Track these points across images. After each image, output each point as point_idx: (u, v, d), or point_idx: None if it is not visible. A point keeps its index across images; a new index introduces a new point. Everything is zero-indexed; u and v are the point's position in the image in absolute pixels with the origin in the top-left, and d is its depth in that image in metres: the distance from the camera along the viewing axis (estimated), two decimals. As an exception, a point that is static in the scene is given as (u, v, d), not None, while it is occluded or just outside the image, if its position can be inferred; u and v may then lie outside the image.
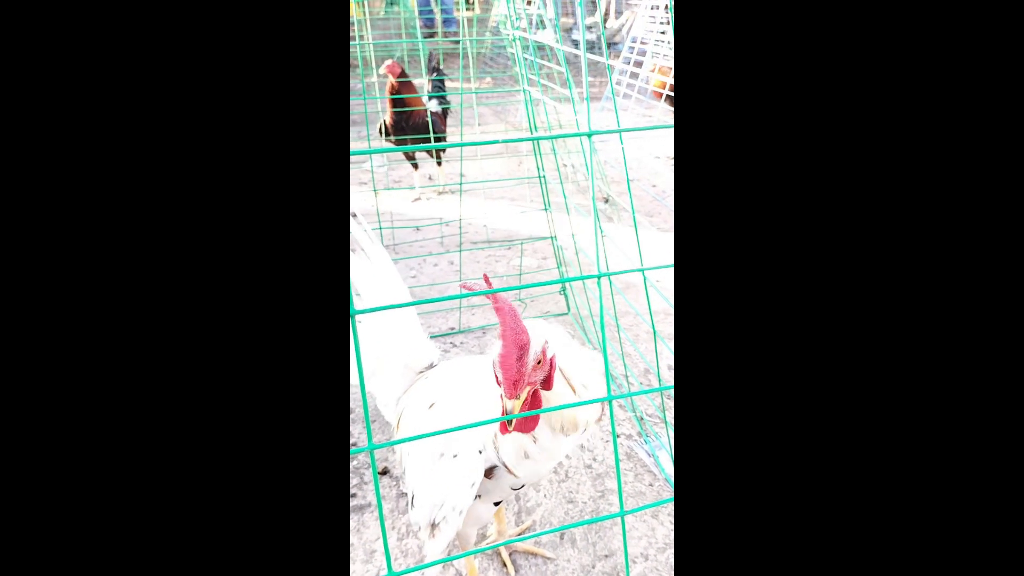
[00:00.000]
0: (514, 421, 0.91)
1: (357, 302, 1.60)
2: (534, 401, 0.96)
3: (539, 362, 0.93)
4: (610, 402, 0.71)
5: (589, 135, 0.63)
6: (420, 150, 3.45)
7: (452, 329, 2.57)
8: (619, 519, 1.63)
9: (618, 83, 5.04)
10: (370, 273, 1.49)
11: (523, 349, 0.88)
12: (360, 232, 1.49)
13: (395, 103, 3.36)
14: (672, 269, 1.14)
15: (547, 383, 0.97)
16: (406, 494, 1.59)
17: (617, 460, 0.74)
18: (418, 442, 1.21)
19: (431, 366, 1.42)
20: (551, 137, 0.66)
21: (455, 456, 1.10)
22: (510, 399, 0.90)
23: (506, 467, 1.08)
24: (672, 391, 2.17)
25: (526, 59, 2.09)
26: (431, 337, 2.46)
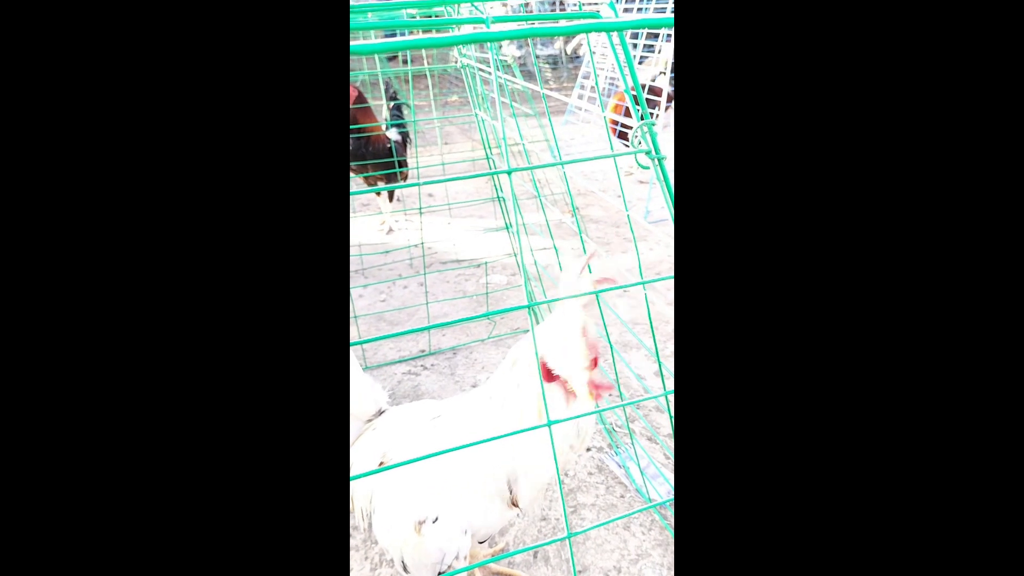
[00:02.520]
0: (599, 386, 1.07)
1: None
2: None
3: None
4: (549, 427, 0.74)
5: (509, 172, 0.66)
6: (378, 191, 3.45)
7: (422, 351, 2.58)
8: (590, 533, 1.65)
9: (579, 96, 5.12)
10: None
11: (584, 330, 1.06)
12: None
13: (353, 130, 3.38)
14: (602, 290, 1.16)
15: (595, 362, 1.12)
16: (383, 547, 1.58)
17: (560, 481, 0.76)
18: (385, 506, 1.22)
19: (380, 413, 1.39)
20: (474, 176, 0.69)
21: (435, 520, 1.13)
22: (595, 368, 1.06)
23: (509, 490, 1.13)
24: (632, 405, 2.18)
25: (479, 78, 2.13)
26: (400, 361, 2.47)
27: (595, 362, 1.08)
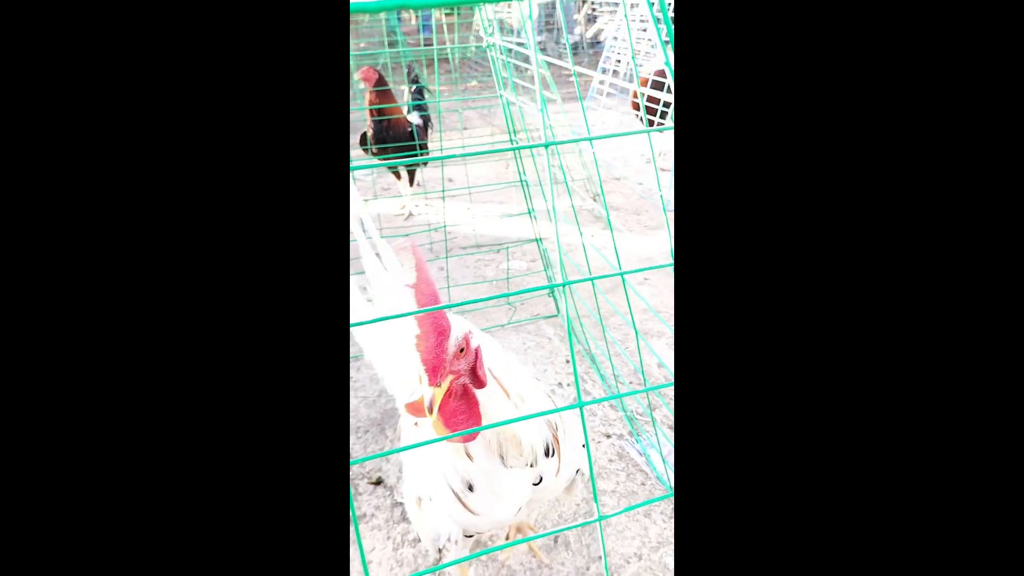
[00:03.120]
0: (436, 411, 0.85)
1: (370, 308, 1.61)
2: (470, 404, 0.90)
3: (461, 350, 0.87)
4: (581, 408, 0.72)
5: (546, 145, 0.64)
6: (396, 164, 3.44)
7: (442, 336, 2.57)
8: (611, 520, 1.64)
9: (601, 82, 5.05)
10: (385, 280, 1.52)
11: (442, 332, 0.83)
12: (377, 240, 1.54)
13: (373, 112, 3.36)
14: (625, 270, 1.12)
15: (476, 378, 0.91)
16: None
17: (591, 463, 0.75)
18: (406, 477, 1.23)
19: None
20: (512, 149, 0.67)
21: (431, 500, 1.13)
22: (431, 386, 0.84)
23: (457, 497, 1.04)
24: (654, 391, 2.17)
25: (503, 60, 2.10)
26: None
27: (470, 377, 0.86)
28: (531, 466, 0.98)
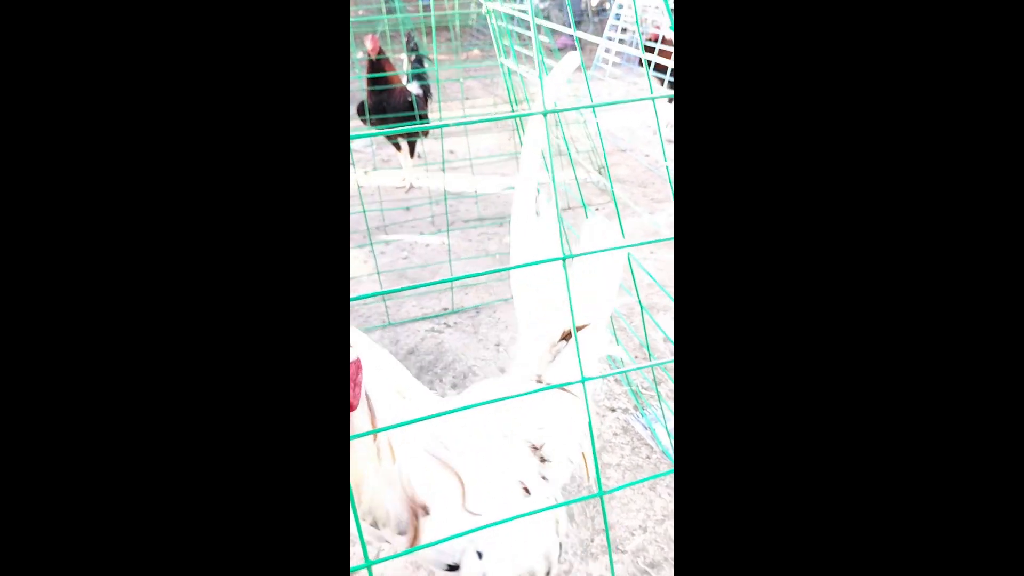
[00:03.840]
0: None
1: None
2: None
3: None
4: (584, 383, 0.70)
5: (545, 113, 0.60)
6: (395, 133, 3.40)
7: (445, 309, 2.56)
8: (615, 493, 1.64)
9: (607, 50, 4.93)
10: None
11: None
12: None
13: (371, 81, 3.28)
14: (635, 244, 1.09)
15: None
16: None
17: (592, 438, 0.73)
18: None
19: None
20: (509, 117, 0.64)
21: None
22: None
23: None
24: (659, 366, 2.14)
25: (501, 28, 2.03)
26: (423, 318, 2.46)
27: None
28: (372, 525, 0.92)
